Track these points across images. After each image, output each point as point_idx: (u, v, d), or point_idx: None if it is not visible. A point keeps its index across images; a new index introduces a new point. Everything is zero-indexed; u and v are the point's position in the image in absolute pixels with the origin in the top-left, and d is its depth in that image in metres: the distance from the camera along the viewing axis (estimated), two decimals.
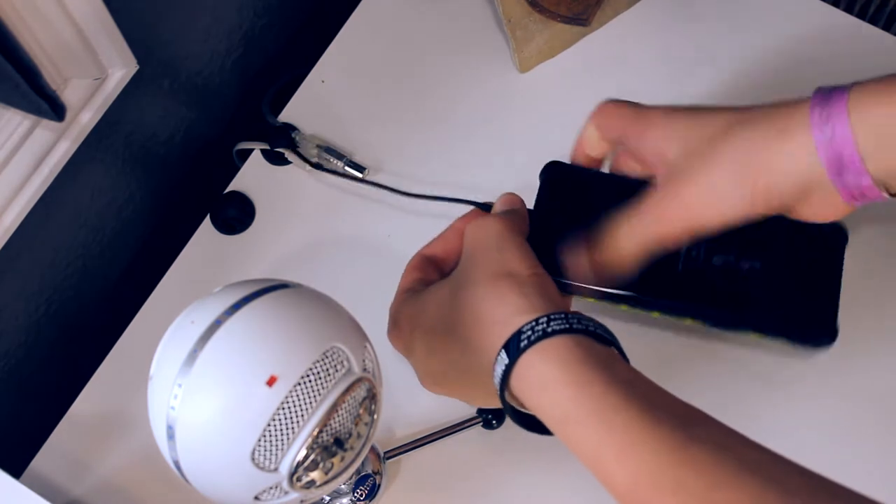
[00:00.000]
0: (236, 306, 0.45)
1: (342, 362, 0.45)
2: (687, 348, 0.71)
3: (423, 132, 0.78)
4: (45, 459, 0.71)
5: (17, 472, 0.69)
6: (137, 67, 0.64)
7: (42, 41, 0.59)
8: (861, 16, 0.86)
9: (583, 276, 0.58)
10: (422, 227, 0.75)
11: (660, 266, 0.58)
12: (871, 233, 0.73)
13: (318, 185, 0.77)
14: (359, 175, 0.76)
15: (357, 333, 0.48)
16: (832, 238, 0.64)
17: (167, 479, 0.70)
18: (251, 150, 0.78)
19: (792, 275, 0.61)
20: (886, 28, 0.81)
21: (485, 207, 0.57)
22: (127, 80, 0.64)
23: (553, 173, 0.63)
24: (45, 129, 0.62)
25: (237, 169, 0.78)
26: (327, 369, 0.44)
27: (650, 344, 0.70)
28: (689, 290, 0.59)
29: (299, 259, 0.75)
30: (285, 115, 0.78)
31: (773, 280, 0.61)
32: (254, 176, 0.77)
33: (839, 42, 0.78)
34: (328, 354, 0.45)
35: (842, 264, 0.64)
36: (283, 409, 0.43)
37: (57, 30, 0.58)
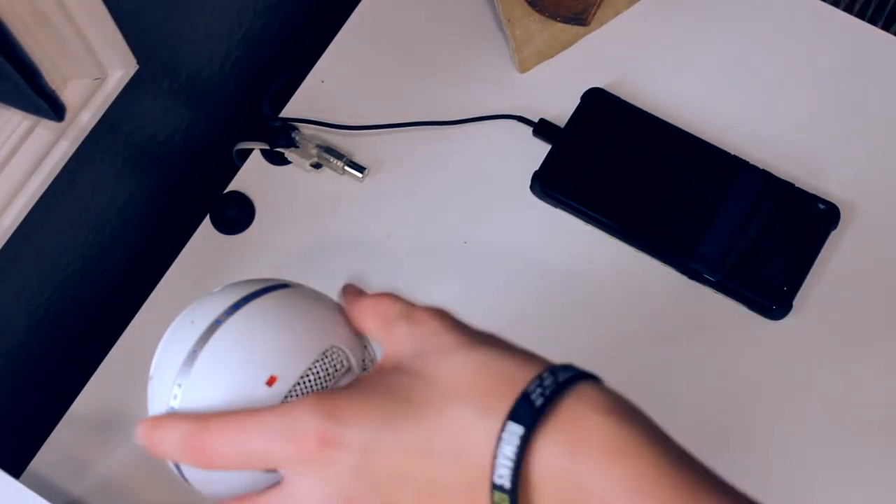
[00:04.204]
0: (236, 306, 0.45)
1: (342, 362, 0.45)
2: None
3: (422, 132, 0.78)
4: (45, 459, 0.71)
5: (17, 472, 0.69)
6: (137, 67, 0.64)
7: (42, 41, 0.59)
8: (861, 16, 0.87)
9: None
10: (421, 228, 0.76)
11: (653, 212, 0.72)
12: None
13: (318, 185, 0.77)
14: (359, 175, 0.76)
15: (357, 333, 0.48)
16: (822, 219, 0.70)
17: (167, 479, 0.70)
18: (251, 150, 0.78)
19: (767, 246, 0.70)
20: (886, 28, 0.81)
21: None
22: (127, 80, 0.64)
23: (594, 99, 0.72)
24: (45, 129, 0.62)
25: (237, 169, 0.78)
26: (327, 369, 0.44)
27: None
28: (666, 237, 0.72)
29: (299, 259, 0.75)
30: (285, 115, 0.78)
31: (747, 247, 0.69)
32: (254, 176, 0.77)
33: (839, 42, 0.78)
34: (328, 354, 0.44)
35: (820, 247, 0.70)
36: None
37: (57, 30, 0.58)
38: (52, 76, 0.61)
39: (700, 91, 0.77)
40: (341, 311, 0.47)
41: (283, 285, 0.47)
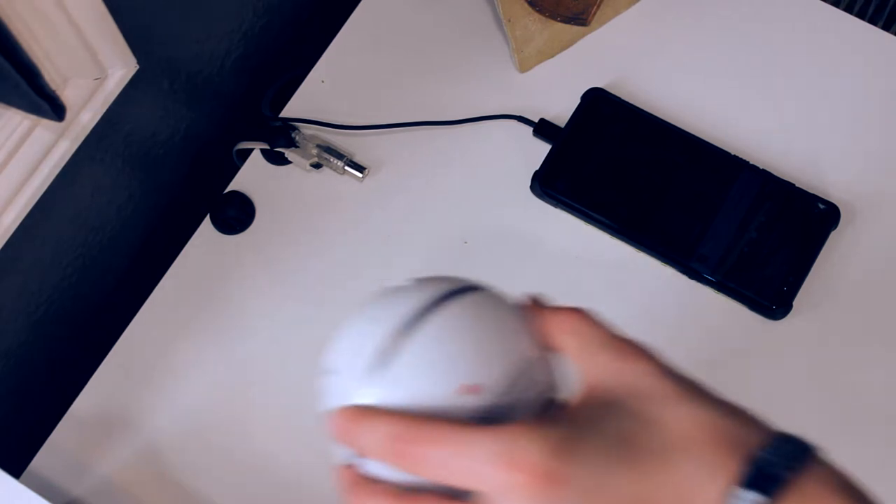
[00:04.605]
0: (434, 305, 0.42)
1: (542, 375, 0.42)
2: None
3: (422, 132, 0.78)
4: (45, 459, 0.71)
5: (17, 472, 0.69)
6: (137, 67, 0.64)
7: (42, 41, 0.59)
8: (861, 16, 0.87)
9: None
10: (421, 228, 0.76)
11: (651, 210, 0.73)
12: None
13: (318, 185, 0.77)
14: (359, 175, 0.76)
15: (543, 342, 0.44)
16: (822, 219, 0.70)
17: (167, 479, 0.70)
18: (251, 150, 0.78)
19: (767, 246, 0.70)
20: (886, 28, 0.81)
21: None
22: (127, 80, 0.64)
23: (594, 99, 0.72)
24: (45, 129, 0.62)
25: (237, 169, 0.78)
26: (529, 381, 0.41)
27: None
28: (666, 237, 0.72)
29: (299, 259, 0.75)
30: (285, 115, 0.78)
31: (747, 247, 0.70)
32: (254, 176, 0.77)
33: (839, 42, 0.78)
34: (530, 365, 0.41)
35: (820, 247, 0.70)
36: (482, 420, 0.40)
37: (57, 30, 0.58)
38: (52, 76, 0.61)
39: (700, 91, 0.77)
40: (530, 320, 0.44)
41: (475, 287, 0.44)
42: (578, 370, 0.41)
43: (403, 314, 0.41)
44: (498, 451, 0.37)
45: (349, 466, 0.41)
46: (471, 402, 0.40)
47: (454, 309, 0.42)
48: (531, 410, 0.41)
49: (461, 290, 0.43)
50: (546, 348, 0.43)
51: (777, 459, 0.37)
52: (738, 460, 0.37)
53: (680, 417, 0.38)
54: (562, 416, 0.39)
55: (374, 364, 0.40)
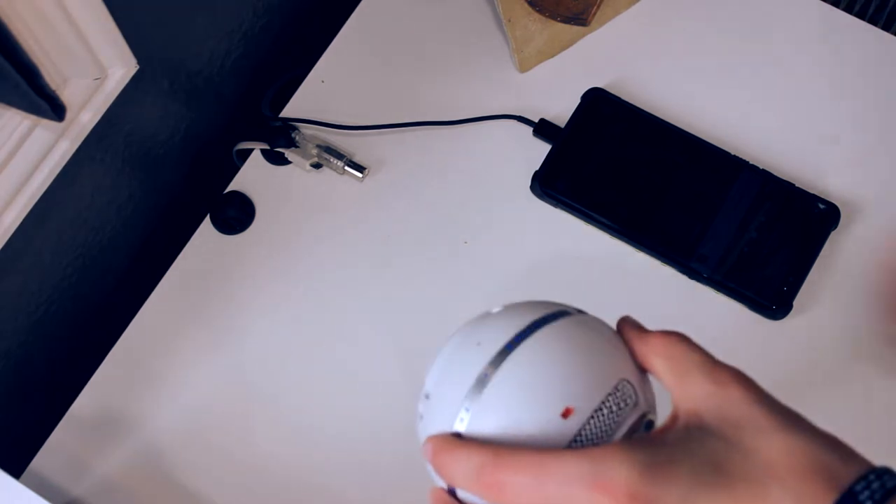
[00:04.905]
0: (528, 331, 0.43)
1: (631, 396, 0.43)
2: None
3: (422, 132, 0.78)
4: (45, 459, 0.71)
5: (17, 472, 0.69)
6: (137, 67, 0.64)
7: (42, 41, 0.59)
8: (861, 16, 0.87)
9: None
10: (421, 228, 0.76)
11: (651, 211, 0.73)
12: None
13: (318, 185, 0.77)
14: (359, 175, 0.76)
15: (640, 368, 0.45)
16: (822, 219, 0.70)
17: (167, 480, 0.70)
18: (251, 150, 0.78)
19: (767, 246, 0.70)
20: (886, 28, 0.81)
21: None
22: (127, 80, 0.64)
23: (594, 99, 0.72)
24: (45, 129, 0.62)
25: (237, 169, 0.78)
26: (618, 403, 0.42)
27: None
28: (666, 237, 0.72)
29: (299, 259, 0.75)
30: (285, 115, 0.78)
31: (747, 247, 0.70)
32: (254, 176, 0.77)
33: (839, 42, 0.78)
34: (619, 388, 0.42)
35: (820, 247, 0.70)
36: (575, 442, 0.41)
37: (57, 30, 0.58)
38: (52, 76, 0.61)
39: (700, 91, 0.77)
40: (624, 343, 0.45)
41: (566, 312, 0.45)
42: (671, 393, 0.41)
43: (496, 343, 0.43)
44: (585, 472, 0.37)
45: (444, 490, 0.42)
46: (563, 425, 0.40)
47: (545, 336, 0.43)
48: (621, 433, 0.42)
49: (553, 315, 0.44)
50: (639, 371, 0.43)
51: (870, 493, 0.37)
52: (831, 492, 0.37)
53: (774, 446, 0.38)
54: (652, 438, 0.40)
55: (467, 392, 0.42)
